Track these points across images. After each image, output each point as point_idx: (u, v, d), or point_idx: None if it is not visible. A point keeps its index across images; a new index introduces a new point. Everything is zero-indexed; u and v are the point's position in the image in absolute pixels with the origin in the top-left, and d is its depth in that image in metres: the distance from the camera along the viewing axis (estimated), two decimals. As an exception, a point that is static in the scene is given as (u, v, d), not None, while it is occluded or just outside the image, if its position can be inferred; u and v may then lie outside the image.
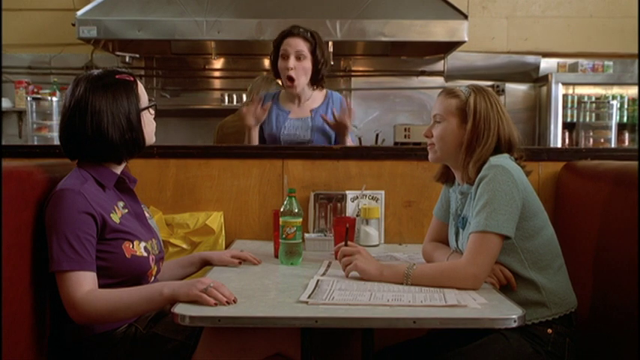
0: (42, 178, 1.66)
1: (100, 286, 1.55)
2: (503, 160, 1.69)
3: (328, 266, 1.85)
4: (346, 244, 1.75)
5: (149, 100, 1.74)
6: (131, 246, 1.62)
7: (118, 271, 1.60)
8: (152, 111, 1.74)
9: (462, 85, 1.86)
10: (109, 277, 1.58)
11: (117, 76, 1.67)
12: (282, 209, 1.90)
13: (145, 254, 1.66)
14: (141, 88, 1.71)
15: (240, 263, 1.90)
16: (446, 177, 1.90)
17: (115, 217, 1.63)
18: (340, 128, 2.61)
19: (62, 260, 1.51)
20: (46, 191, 1.62)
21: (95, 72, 1.69)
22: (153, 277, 1.71)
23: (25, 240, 1.55)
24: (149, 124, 1.72)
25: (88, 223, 1.55)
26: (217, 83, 5.42)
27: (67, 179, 1.62)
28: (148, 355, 1.59)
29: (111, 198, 1.67)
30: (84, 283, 1.51)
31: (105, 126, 1.61)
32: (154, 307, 1.55)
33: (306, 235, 2.18)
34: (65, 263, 1.51)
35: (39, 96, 4.74)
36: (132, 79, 1.70)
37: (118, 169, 1.71)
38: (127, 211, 1.70)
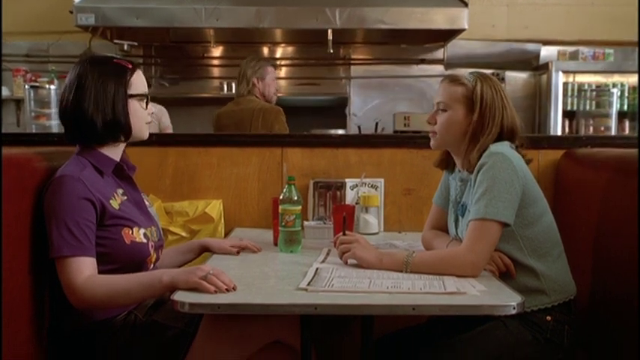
0: (41, 165, 1.65)
1: (100, 272, 1.55)
2: (503, 147, 1.69)
3: (327, 254, 1.84)
4: (344, 234, 1.75)
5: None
6: (130, 232, 1.62)
7: (118, 258, 1.60)
8: (144, 104, 1.70)
9: (461, 72, 1.85)
10: (108, 263, 1.58)
11: (114, 60, 1.68)
12: (281, 197, 1.90)
13: (145, 241, 1.65)
14: (137, 77, 1.69)
15: (238, 252, 1.89)
16: (446, 163, 1.89)
17: (115, 204, 1.62)
18: None
19: (62, 246, 1.51)
20: (45, 179, 1.61)
21: (99, 55, 1.73)
22: (152, 265, 1.71)
23: (24, 228, 1.54)
24: (137, 113, 1.69)
25: (88, 209, 1.55)
26: (216, 71, 5.39)
27: (66, 166, 1.62)
28: (147, 342, 1.59)
29: (110, 185, 1.67)
30: (84, 269, 1.51)
31: (86, 103, 1.62)
32: (153, 294, 1.55)
33: (306, 222, 2.18)
34: (65, 249, 1.51)
35: (37, 84, 4.70)
36: (129, 65, 1.69)
37: (115, 155, 1.70)
38: (126, 198, 1.69)
